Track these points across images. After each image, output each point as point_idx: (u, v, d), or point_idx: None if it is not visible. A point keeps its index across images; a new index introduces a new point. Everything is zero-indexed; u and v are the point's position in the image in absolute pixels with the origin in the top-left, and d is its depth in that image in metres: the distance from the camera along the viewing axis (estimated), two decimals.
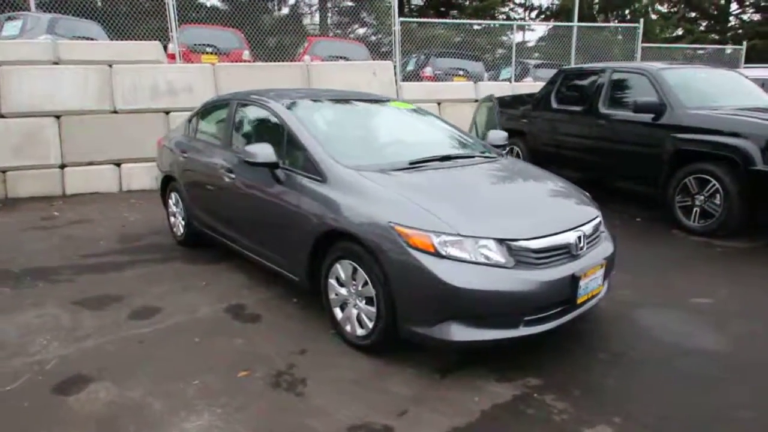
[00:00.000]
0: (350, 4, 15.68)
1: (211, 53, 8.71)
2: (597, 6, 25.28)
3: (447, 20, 11.11)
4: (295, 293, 3.56)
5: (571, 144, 6.42)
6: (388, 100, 4.20)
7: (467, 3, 20.46)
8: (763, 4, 24.82)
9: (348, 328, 2.84)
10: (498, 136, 4.06)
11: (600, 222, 2.98)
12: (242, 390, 2.45)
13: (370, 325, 2.67)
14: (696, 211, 4.93)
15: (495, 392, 2.42)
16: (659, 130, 5.25)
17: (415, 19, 11.02)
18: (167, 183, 4.83)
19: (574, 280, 2.50)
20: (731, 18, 26.37)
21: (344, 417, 2.23)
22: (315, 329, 3.07)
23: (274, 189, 3.20)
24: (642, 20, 11.03)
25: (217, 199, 3.89)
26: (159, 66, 7.46)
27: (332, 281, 2.89)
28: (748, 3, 25.80)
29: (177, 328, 3.10)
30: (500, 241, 2.41)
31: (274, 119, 3.47)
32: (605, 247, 2.89)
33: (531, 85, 9.35)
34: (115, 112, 7.19)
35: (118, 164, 7.25)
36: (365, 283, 2.65)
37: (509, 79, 10.99)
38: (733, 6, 26.16)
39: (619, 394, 2.41)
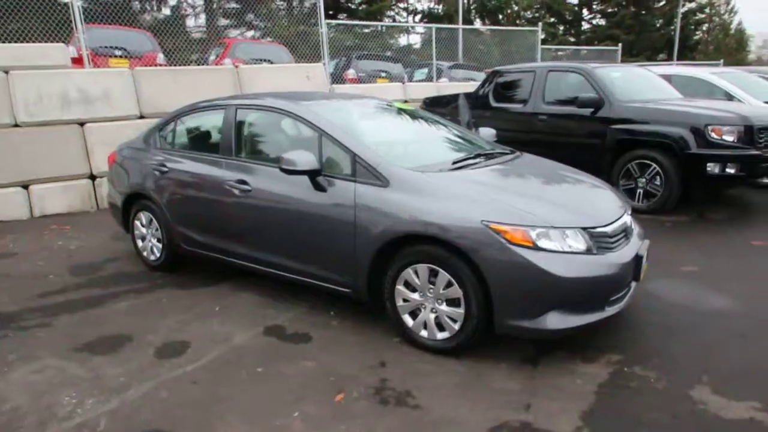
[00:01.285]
0: (235, 6, 15.05)
1: (121, 57, 7.81)
2: (473, 11, 27.22)
3: (371, 22, 11.18)
4: (328, 306, 3.38)
5: (513, 139, 6.85)
6: (388, 102, 4.15)
7: (357, 7, 20.78)
8: (609, 10, 28.63)
9: (424, 333, 2.78)
10: (488, 133, 4.23)
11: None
12: (353, 413, 2.28)
13: (456, 326, 2.64)
14: (639, 192, 5.59)
15: (591, 373, 2.55)
16: (599, 123, 5.86)
17: (341, 21, 10.93)
18: (131, 203, 4.26)
19: (638, 258, 2.73)
20: (584, 22, 30.08)
21: (478, 422, 2.20)
22: (376, 340, 2.95)
23: (316, 198, 3.01)
24: (540, 24, 12.11)
25: (221, 215, 3.54)
26: (68, 71, 6.51)
27: (401, 287, 2.80)
28: (596, 9, 29.60)
29: (224, 361, 2.78)
30: (584, 230, 2.54)
31: (301, 124, 3.25)
32: (636, 227, 3.17)
33: (455, 86, 9.78)
34: (17, 125, 6.13)
35: (25, 186, 6.19)
36: (448, 285, 2.62)
37: (423, 80, 11.42)
38: (585, 12, 29.85)
39: (689, 356, 2.68)
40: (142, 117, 6.87)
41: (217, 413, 2.31)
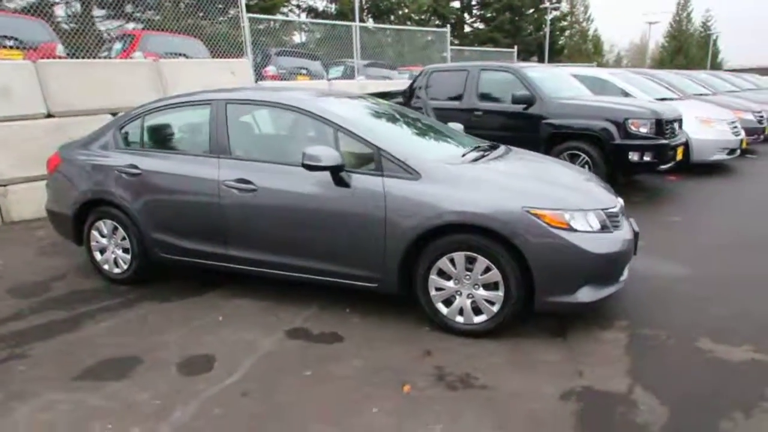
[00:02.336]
0: None
1: (13, 48, 6.76)
2: (366, 10, 27.66)
3: (296, 19, 10.83)
4: (340, 304, 3.33)
5: None
6: (363, 96, 4.16)
7: (252, 2, 20.03)
8: (488, 15, 30.88)
9: (460, 319, 2.88)
10: (458, 128, 4.45)
11: None
12: (430, 400, 2.32)
13: (494, 309, 2.79)
14: None
15: (613, 338, 2.85)
16: (532, 118, 6.40)
17: (263, 16, 10.45)
18: (85, 211, 3.78)
19: (636, 234, 3.09)
20: (466, 26, 32.16)
21: (547, 391, 2.36)
22: (408, 331, 2.99)
23: (337, 194, 2.96)
24: (448, 26, 12.72)
25: (214, 217, 3.30)
26: None
27: (434, 277, 2.87)
28: (476, 15, 31.77)
29: (263, 369, 2.63)
30: (602, 210, 2.83)
31: (313, 120, 3.16)
32: None
33: (376, 84, 9.93)
34: None
35: None
36: (486, 270, 2.76)
37: (339, 78, 11.44)
38: (466, 16, 31.92)
39: (677, 315, 3.10)
40: (50, 116, 6.05)
41: (291, 420, 2.21)
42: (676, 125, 6.32)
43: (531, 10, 33.10)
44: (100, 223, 3.75)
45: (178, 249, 3.51)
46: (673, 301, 3.32)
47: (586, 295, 2.71)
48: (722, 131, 7.42)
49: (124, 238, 3.70)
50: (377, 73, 11.50)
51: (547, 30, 30.68)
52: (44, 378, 2.59)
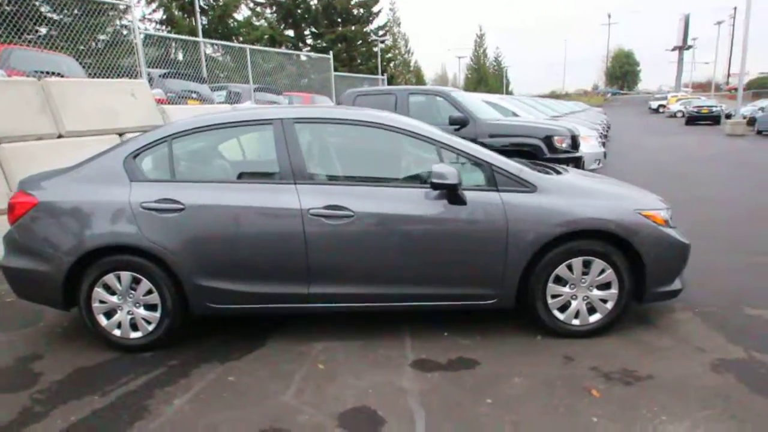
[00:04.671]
0: None
1: None
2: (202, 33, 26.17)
3: (190, 38, 9.55)
4: (435, 330, 3.19)
5: None
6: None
7: None
8: (323, 45, 31.83)
9: (575, 321, 3.02)
10: None
11: None
12: (631, 396, 2.39)
13: (609, 306, 2.99)
14: None
15: (688, 318, 3.28)
16: (465, 138, 6.89)
17: (161, 34, 9.07)
18: (85, 264, 2.94)
19: None
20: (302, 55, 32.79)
21: (703, 368, 2.64)
22: (523, 344, 3.00)
23: (453, 213, 2.86)
24: (331, 52, 12.80)
25: (298, 253, 2.87)
26: None
27: (551, 284, 2.97)
28: (310, 44, 32.53)
29: (444, 410, 2.39)
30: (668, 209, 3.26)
31: (411, 138, 3.01)
32: None
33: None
34: None
35: None
36: (600, 272, 2.95)
37: (223, 102, 10.70)
38: (301, 45, 32.55)
39: (708, 289, 3.69)
40: None
41: None
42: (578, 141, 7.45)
43: (359, 42, 35.25)
44: (111, 278, 2.95)
45: (237, 296, 2.96)
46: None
47: (678, 283, 3.09)
48: (595, 145, 8.96)
49: (149, 292, 2.97)
50: (264, 98, 11.02)
51: (378, 60, 32.93)
52: None
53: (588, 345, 2.95)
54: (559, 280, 2.97)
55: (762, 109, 18.82)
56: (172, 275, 2.94)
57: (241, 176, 3.10)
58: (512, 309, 3.06)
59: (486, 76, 52.85)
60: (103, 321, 3.02)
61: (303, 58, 14.22)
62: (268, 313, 3.07)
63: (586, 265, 2.95)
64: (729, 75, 50.06)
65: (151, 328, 3.02)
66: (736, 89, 51.34)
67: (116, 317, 3.01)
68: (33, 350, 3.12)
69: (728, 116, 25.20)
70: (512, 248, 2.88)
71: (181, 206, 2.88)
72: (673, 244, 2.99)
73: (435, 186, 2.78)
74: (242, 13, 29.86)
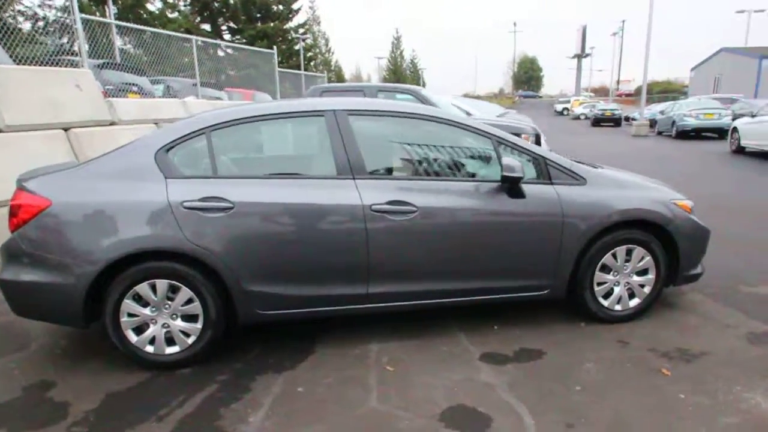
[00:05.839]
0: None
1: None
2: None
3: (135, 25, 8.48)
4: (485, 322, 3.18)
5: None
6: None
7: None
8: (242, 41, 30.60)
9: (617, 307, 3.16)
10: None
11: None
12: (698, 373, 2.54)
13: (646, 290, 3.17)
14: None
15: (701, 300, 3.56)
16: None
17: (102, 19, 8.02)
18: (111, 275, 2.58)
19: None
20: (219, 50, 31.26)
21: (740, 342, 2.87)
22: (570, 330, 3.09)
23: (513, 206, 2.88)
24: (275, 48, 12.27)
25: (359, 251, 2.73)
26: None
27: (598, 273, 3.08)
28: (228, 39, 31.13)
29: (546, 401, 2.39)
30: None
31: (468, 133, 2.97)
32: None
33: (216, 104, 8.95)
34: None
35: None
36: (640, 259, 3.12)
37: (161, 97, 9.94)
38: (221, 42, 31.03)
39: (719, 272, 4.03)
40: None
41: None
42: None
43: (280, 39, 34.36)
44: (144, 287, 2.61)
45: (291, 300, 2.75)
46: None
47: (701, 266, 3.35)
48: (543, 143, 9.44)
49: (189, 302, 2.67)
50: (207, 93, 10.36)
51: (301, 59, 32.36)
52: None
53: (631, 328, 3.11)
54: (604, 268, 3.10)
55: (662, 112, 20.96)
56: (216, 281, 2.66)
57: (291, 171, 2.88)
58: (562, 299, 3.13)
59: (403, 78, 53.93)
60: (132, 337, 2.66)
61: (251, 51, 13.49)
62: (323, 316, 2.89)
63: (628, 252, 3.10)
64: (618, 81, 55.35)
65: (190, 341, 2.72)
66: (625, 95, 57.37)
67: (149, 331, 2.68)
68: (39, 377, 2.68)
69: (627, 119, 27.78)
70: (566, 239, 2.95)
71: (230, 205, 2.62)
72: (700, 230, 3.23)
73: (505, 179, 2.78)
74: (155, 5, 28.04)
